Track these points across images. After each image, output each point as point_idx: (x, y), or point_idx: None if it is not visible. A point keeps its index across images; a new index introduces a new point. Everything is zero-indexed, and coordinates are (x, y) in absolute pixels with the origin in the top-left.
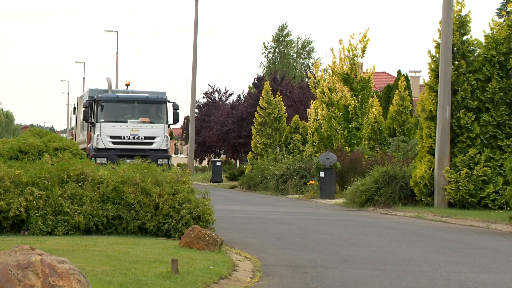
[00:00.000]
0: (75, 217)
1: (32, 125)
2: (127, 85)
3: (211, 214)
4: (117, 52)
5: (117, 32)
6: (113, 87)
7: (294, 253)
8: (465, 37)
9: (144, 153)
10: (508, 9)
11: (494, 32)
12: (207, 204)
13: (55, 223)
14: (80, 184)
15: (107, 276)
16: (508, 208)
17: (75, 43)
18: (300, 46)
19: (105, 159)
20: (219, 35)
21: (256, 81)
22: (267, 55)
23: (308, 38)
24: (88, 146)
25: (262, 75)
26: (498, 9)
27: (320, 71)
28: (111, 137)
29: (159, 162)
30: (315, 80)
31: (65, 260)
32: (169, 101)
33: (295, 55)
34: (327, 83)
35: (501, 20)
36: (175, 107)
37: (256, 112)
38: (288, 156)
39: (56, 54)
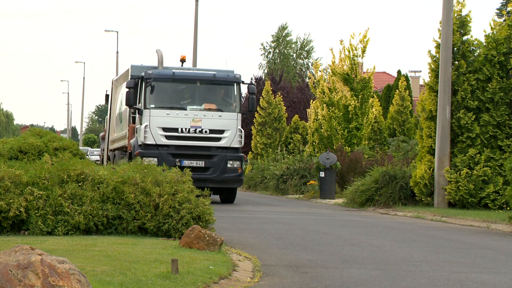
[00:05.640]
0: (75, 217)
1: (32, 125)
2: (183, 60)
3: (211, 214)
4: (117, 52)
5: (117, 32)
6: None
7: (294, 253)
8: (465, 37)
9: (209, 152)
10: (508, 9)
11: (495, 32)
12: (207, 204)
13: (55, 223)
14: (80, 184)
15: (107, 276)
16: (508, 208)
17: (75, 43)
18: (299, 46)
19: (156, 159)
20: (219, 35)
21: (254, 83)
22: (267, 55)
23: (307, 38)
24: (131, 141)
25: (260, 75)
26: (498, 9)
27: (320, 71)
28: (164, 129)
29: (229, 165)
30: (315, 80)
31: (65, 260)
32: (243, 82)
33: (294, 55)
34: (327, 83)
35: (501, 20)
36: (251, 90)
37: (256, 112)
38: (288, 156)
39: (56, 54)
